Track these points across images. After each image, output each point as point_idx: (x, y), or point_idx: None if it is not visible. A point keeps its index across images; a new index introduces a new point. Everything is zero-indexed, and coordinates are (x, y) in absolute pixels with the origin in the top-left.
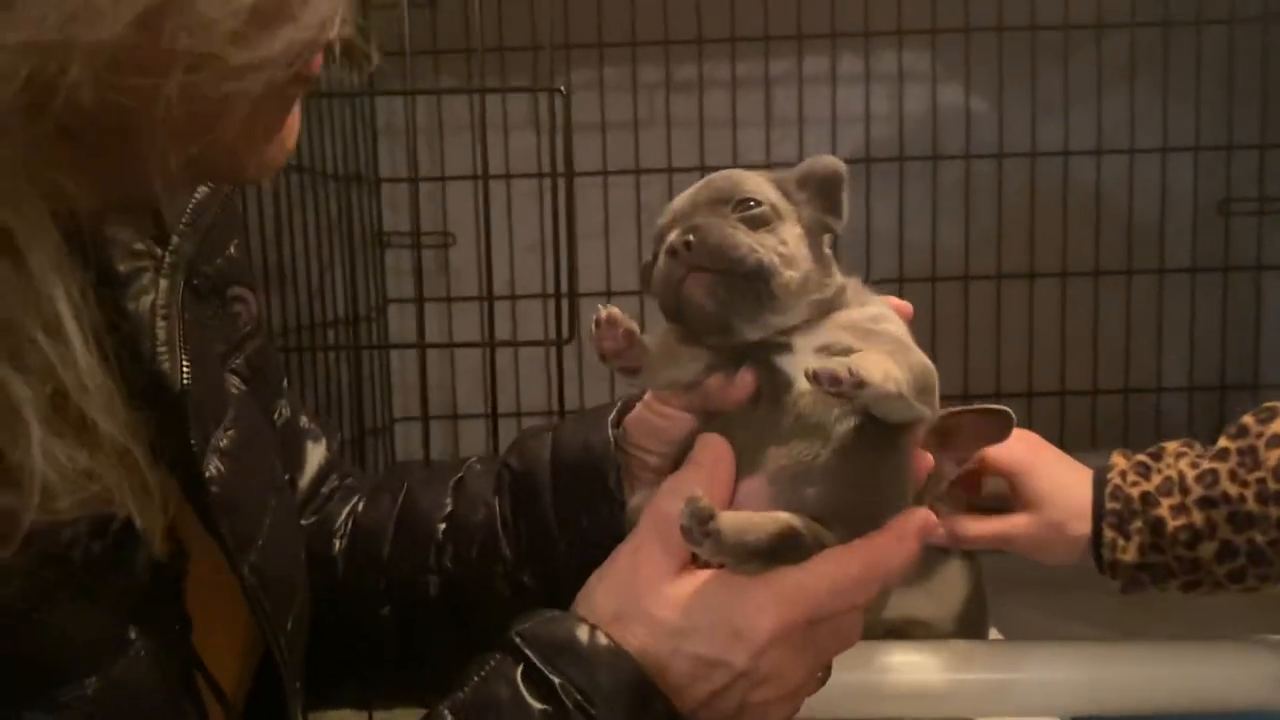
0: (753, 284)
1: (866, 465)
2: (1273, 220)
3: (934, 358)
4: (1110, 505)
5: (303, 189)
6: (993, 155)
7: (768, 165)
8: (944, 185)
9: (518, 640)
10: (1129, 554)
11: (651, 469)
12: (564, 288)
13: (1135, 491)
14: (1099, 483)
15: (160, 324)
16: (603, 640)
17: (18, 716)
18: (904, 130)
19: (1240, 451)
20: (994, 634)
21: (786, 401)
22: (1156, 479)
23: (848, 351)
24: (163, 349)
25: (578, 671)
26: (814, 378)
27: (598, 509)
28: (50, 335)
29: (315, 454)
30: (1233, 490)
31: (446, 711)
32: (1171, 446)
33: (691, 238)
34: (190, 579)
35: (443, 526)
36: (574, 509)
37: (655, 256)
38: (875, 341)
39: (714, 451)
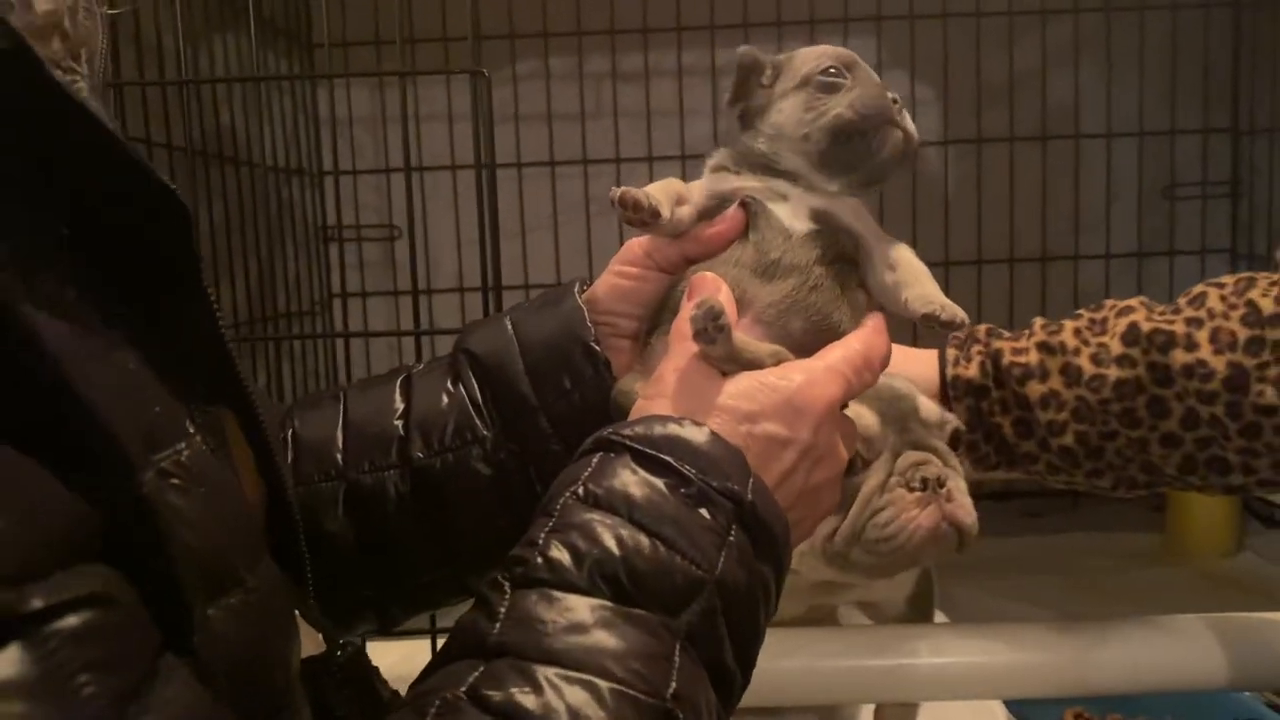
0: (904, 165)
1: (838, 298)
2: (1216, 204)
3: None
4: (953, 337)
5: (239, 181)
6: (938, 142)
7: None
8: None
9: (613, 437)
10: (971, 370)
11: (626, 335)
12: (491, 280)
13: (980, 329)
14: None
15: (116, 131)
16: (690, 425)
17: (131, 483)
18: None
19: (1093, 319)
20: (939, 617)
21: (773, 245)
22: (1007, 335)
23: (837, 217)
24: (131, 151)
25: (680, 453)
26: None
27: (580, 370)
28: None
29: None
30: (1071, 342)
31: (569, 498)
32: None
33: (904, 113)
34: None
35: (400, 423)
36: (554, 376)
37: (824, 70)
38: (870, 226)
39: (710, 282)
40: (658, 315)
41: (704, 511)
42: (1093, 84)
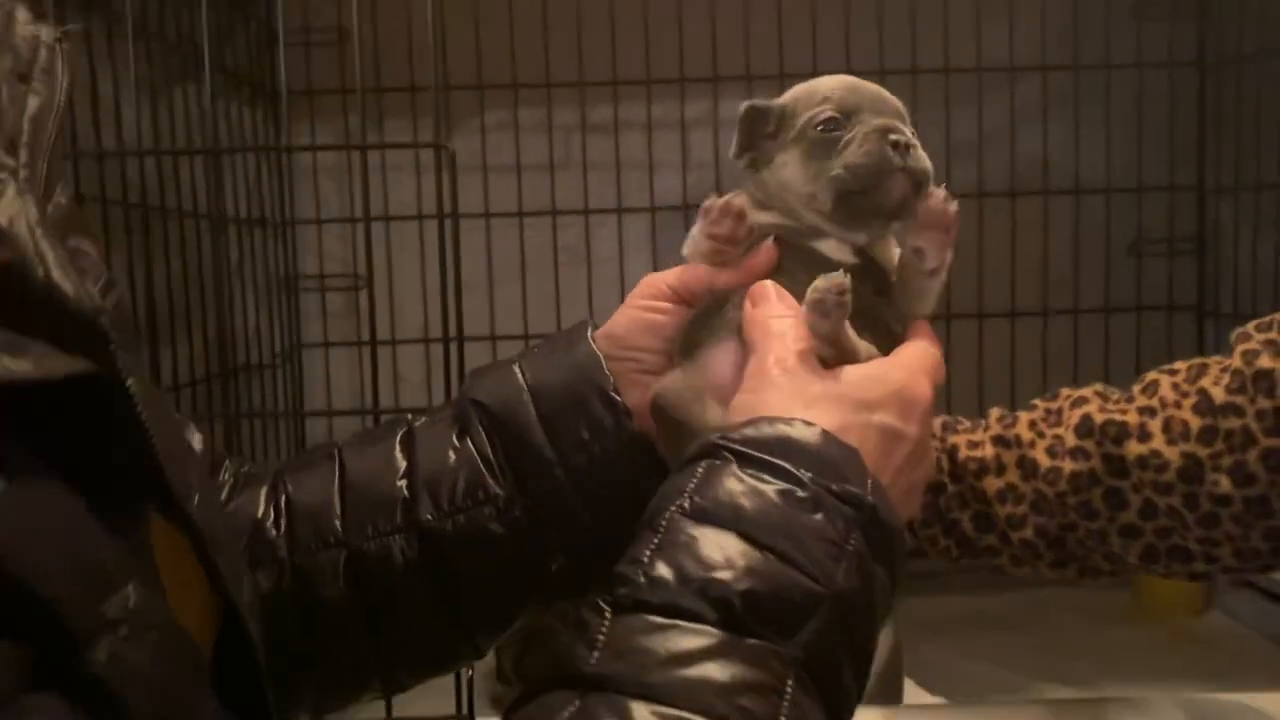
0: (920, 200)
1: (884, 325)
2: (1182, 260)
3: None
4: None
5: (199, 232)
6: None
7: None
8: None
9: (719, 441)
10: None
11: (651, 370)
12: (454, 331)
13: (936, 424)
14: None
15: (42, 241)
16: (801, 424)
17: (80, 648)
18: None
19: (1048, 410)
20: (908, 682)
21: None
22: (962, 428)
23: (879, 252)
24: (55, 268)
25: (792, 455)
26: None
27: (599, 419)
28: None
29: (195, 440)
30: (1027, 435)
31: (674, 513)
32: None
33: (911, 150)
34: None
35: (404, 483)
36: (571, 426)
37: (821, 123)
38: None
39: (773, 290)
40: (698, 332)
41: (819, 517)
42: (1061, 141)
